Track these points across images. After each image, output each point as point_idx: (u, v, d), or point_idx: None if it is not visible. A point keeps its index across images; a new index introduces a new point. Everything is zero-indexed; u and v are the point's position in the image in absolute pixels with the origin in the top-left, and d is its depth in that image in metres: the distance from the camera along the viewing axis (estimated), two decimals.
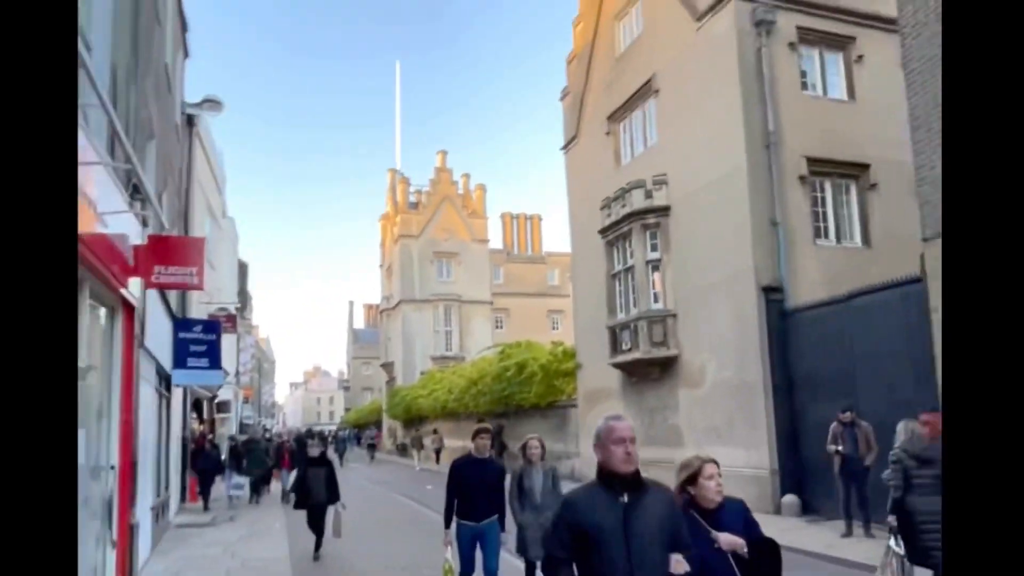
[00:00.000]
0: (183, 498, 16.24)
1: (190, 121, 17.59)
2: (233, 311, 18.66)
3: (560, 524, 2.89)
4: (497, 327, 44.46)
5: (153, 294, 10.27)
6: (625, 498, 2.81)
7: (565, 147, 21.28)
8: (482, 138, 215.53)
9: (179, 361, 13.43)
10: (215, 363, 13.99)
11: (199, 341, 13.73)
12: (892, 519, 6.08)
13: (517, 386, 23.05)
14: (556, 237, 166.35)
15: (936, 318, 9.12)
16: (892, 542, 5.99)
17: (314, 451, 11.25)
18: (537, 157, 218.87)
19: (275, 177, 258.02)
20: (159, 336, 11.57)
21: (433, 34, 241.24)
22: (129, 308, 8.52)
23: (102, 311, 7.97)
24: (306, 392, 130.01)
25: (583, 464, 19.80)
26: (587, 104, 19.85)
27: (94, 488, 7.28)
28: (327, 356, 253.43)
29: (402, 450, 40.23)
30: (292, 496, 11.30)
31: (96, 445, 7.69)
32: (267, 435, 28.40)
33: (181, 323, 13.63)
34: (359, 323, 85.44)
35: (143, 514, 9.88)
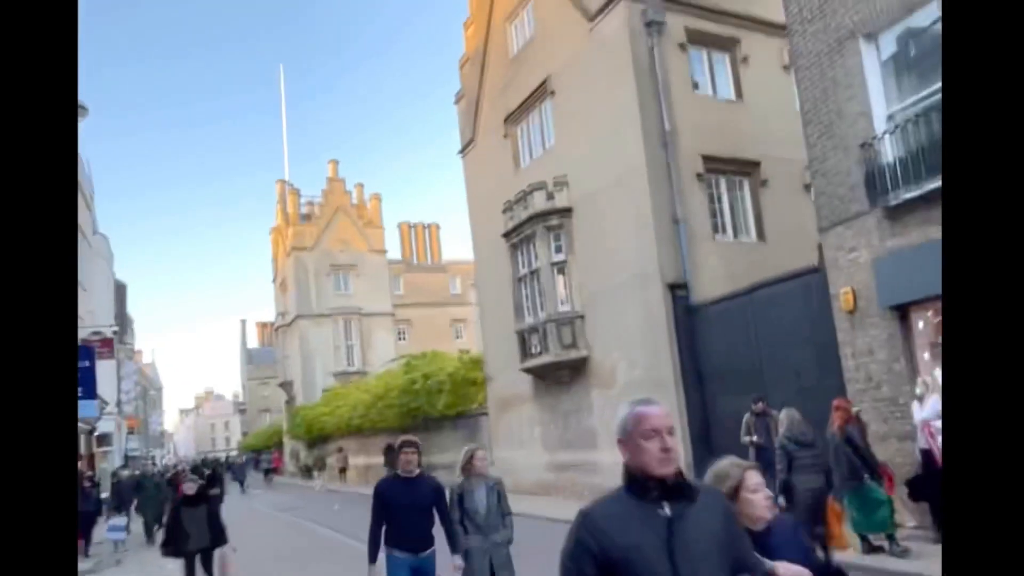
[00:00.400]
0: None
1: None
2: (109, 335, 17.04)
3: (578, 552, 2.10)
4: (400, 339, 43.46)
5: None
6: (667, 509, 2.08)
7: (462, 151, 20.96)
8: (374, 146, 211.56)
9: None
10: (89, 393, 12.67)
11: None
12: (781, 500, 6.65)
13: (425, 397, 22.44)
14: (456, 245, 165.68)
15: (836, 305, 9.43)
16: None
17: (189, 488, 8.88)
18: (432, 164, 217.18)
19: (151, 190, 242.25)
20: None
21: (315, 39, 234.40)
22: None
23: None
24: (198, 418, 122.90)
25: (499, 473, 19.44)
26: (483, 107, 19.61)
27: None
28: (220, 378, 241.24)
29: (307, 472, 38.50)
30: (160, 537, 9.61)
31: None
32: (154, 468, 26.31)
33: None
34: (253, 342, 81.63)
35: None
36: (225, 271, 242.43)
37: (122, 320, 41.19)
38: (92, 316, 18.81)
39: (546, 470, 17.03)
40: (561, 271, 15.73)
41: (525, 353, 16.79)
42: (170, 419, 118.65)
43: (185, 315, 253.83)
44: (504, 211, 17.12)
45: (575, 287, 15.48)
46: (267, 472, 40.36)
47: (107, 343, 16.77)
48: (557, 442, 16.60)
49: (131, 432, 44.89)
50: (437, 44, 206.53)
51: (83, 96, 14.81)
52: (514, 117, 17.98)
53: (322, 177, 43.78)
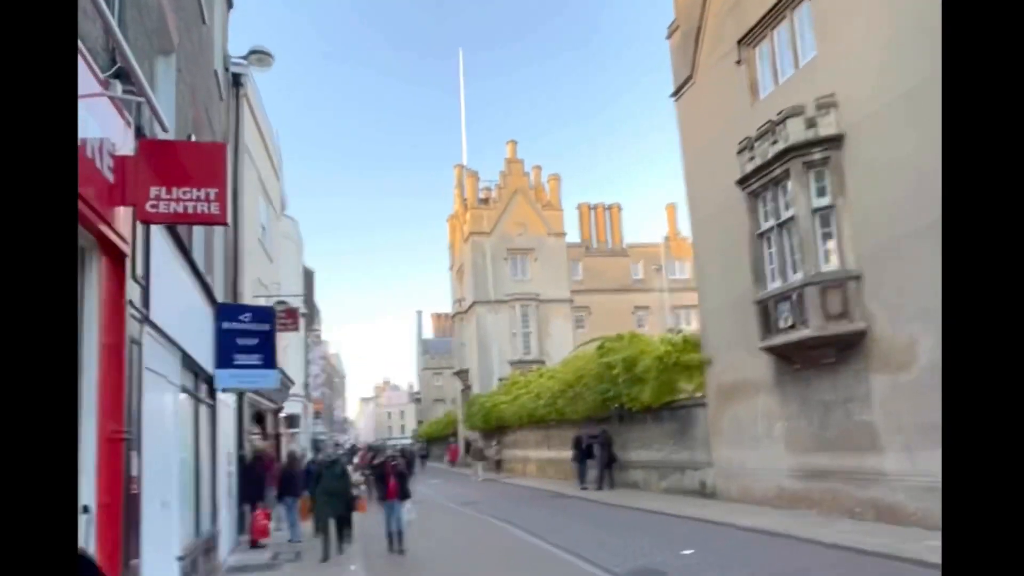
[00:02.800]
0: (241, 530, 13.29)
1: (236, 81, 14.87)
2: (294, 305, 15.83)
3: None
4: (578, 326, 40.88)
5: (167, 250, 7.22)
6: None
7: (676, 93, 17.67)
8: (552, 127, 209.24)
9: (223, 358, 10.48)
10: (269, 361, 11.00)
11: (248, 332, 10.77)
12: None
13: (624, 386, 19.43)
14: (638, 228, 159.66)
15: None
16: None
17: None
18: (613, 143, 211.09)
19: (330, 183, 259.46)
20: (188, 319, 8.57)
21: (493, 23, 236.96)
22: (114, 255, 5.46)
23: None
24: (377, 407, 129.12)
25: (718, 477, 16.05)
26: (706, 34, 16.21)
27: None
28: (396, 369, 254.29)
29: (491, 465, 37.05)
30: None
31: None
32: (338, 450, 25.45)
33: (224, 309, 10.68)
34: (428, 333, 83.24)
35: (161, 570, 6.80)
36: (403, 262, 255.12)
37: (310, 306, 42.29)
38: (279, 287, 17.77)
39: (791, 477, 13.38)
40: (826, 220, 12.06)
41: (768, 328, 13.27)
42: (351, 407, 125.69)
43: (365, 308, 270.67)
44: (740, 152, 13.70)
45: (847, 240, 11.74)
46: (422, 457, 40.80)
47: (291, 314, 15.50)
48: (810, 442, 12.90)
49: (317, 416, 46.22)
50: (616, 18, 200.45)
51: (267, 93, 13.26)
52: (752, 36, 14.45)
53: (499, 161, 42.34)
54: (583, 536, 12.44)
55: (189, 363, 8.84)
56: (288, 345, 28.50)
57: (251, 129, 15.99)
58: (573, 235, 43.01)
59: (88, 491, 4.92)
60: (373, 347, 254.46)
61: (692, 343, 17.46)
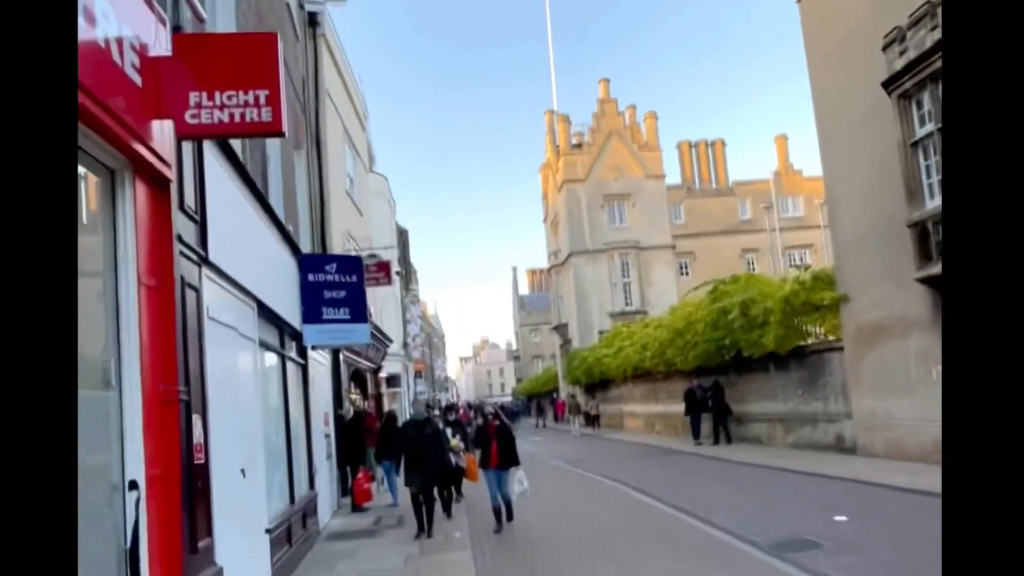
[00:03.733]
0: (344, 493, 12.76)
1: (312, 20, 13.92)
2: (386, 259, 15.03)
3: None
4: (682, 273, 38.78)
5: (228, 182, 6.27)
6: None
7: None
8: (645, 64, 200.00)
9: (310, 313, 9.69)
10: (359, 315, 10.14)
11: (335, 284, 9.93)
12: None
13: (742, 332, 17.67)
14: (744, 165, 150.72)
15: None
16: None
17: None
18: (713, 74, 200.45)
19: (416, 143, 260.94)
20: (266, 268, 7.73)
21: None
22: (153, 180, 4.49)
23: (86, 182, 4.02)
24: (476, 365, 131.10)
25: (857, 430, 14.21)
26: None
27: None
28: (494, 328, 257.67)
29: (587, 420, 36.11)
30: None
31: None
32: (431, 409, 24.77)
33: (308, 260, 9.85)
34: (524, 289, 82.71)
35: (244, 546, 6.02)
36: (497, 221, 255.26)
37: (406, 265, 42.23)
38: (370, 243, 17.04)
39: None
40: None
41: (925, 254, 11.26)
42: (451, 366, 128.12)
43: (462, 270, 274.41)
44: (886, 47, 11.52)
45: None
46: (513, 414, 39.42)
47: (384, 268, 14.72)
48: None
49: (418, 376, 46.61)
50: None
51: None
52: None
53: (592, 103, 40.24)
54: (711, 498, 11.08)
55: (270, 316, 8.03)
56: (385, 305, 28.24)
57: (331, 74, 15.08)
58: (673, 176, 40.63)
59: (135, 463, 4.04)
60: (471, 308, 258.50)
61: (824, 280, 15.46)
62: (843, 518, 8.81)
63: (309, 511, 9.41)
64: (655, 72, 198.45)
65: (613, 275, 37.61)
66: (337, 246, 13.82)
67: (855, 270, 14.18)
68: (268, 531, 6.86)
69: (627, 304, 37.29)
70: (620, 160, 38.34)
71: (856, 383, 14.29)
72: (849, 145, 13.97)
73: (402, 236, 37.65)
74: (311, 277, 9.70)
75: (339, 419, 13.48)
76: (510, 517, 9.67)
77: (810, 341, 16.39)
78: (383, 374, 28.38)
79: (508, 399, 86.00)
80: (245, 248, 6.75)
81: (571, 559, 7.65)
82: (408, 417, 18.08)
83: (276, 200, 9.34)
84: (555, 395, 41.72)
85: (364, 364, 18.40)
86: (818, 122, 15.16)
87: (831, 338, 15.66)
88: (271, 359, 8.32)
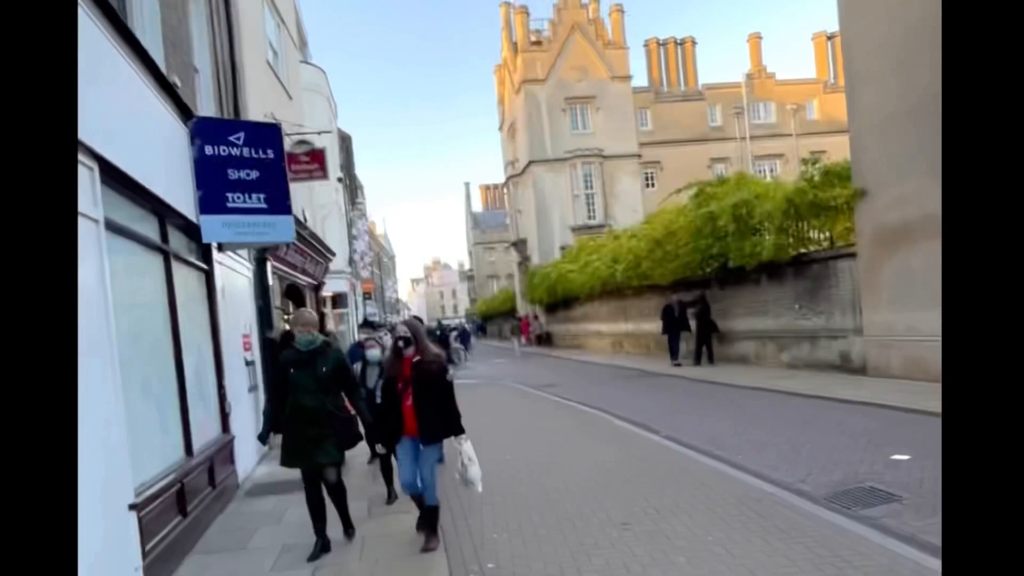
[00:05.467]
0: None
1: None
2: (320, 147, 12.21)
3: None
4: (648, 184, 36.63)
5: None
6: None
7: None
8: None
9: (210, 199, 7.09)
10: (278, 203, 7.58)
11: (244, 161, 7.31)
12: None
13: (734, 239, 15.69)
14: (713, 68, 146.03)
15: None
16: None
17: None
18: None
19: (359, 40, 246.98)
20: (123, 120, 5.09)
21: None
22: None
23: None
24: (429, 287, 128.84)
25: (869, 347, 12.54)
26: None
27: None
28: (446, 248, 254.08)
29: (545, 340, 34.47)
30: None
31: None
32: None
33: (203, 125, 7.14)
34: (477, 206, 79.80)
35: (94, 532, 3.61)
36: (448, 132, 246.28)
37: (350, 177, 38.91)
38: (298, 130, 14.04)
39: None
40: None
41: None
42: (402, 288, 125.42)
43: (410, 187, 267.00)
44: None
45: None
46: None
47: (317, 156, 11.95)
48: None
49: (368, 297, 44.02)
50: None
51: None
52: None
53: None
54: (720, 431, 9.21)
55: (136, 194, 5.46)
56: (328, 215, 25.36)
57: None
58: (640, 79, 37.72)
59: None
60: (423, 228, 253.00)
61: (835, 175, 13.42)
62: (904, 456, 6.99)
63: (220, 461, 7.11)
64: None
65: (575, 186, 35.19)
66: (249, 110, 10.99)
67: (877, 161, 12.12)
68: (133, 506, 4.54)
69: (590, 217, 35.12)
70: (583, 59, 35.23)
71: (871, 294, 12.49)
72: (875, 7, 11.65)
73: (345, 142, 34.24)
74: (209, 150, 7.04)
75: (268, 343, 11.07)
76: (432, 523, 5.31)
77: (811, 249, 14.50)
78: (327, 292, 25.80)
79: (461, 319, 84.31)
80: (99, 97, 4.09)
81: (571, 523, 5.59)
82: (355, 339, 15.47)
83: (150, 39, 6.57)
84: (517, 315, 39.85)
85: (301, 279, 15.82)
86: None
87: (839, 244, 13.77)
88: (143, 258, 5.77)
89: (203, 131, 7.06)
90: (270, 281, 12.18)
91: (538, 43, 35.86)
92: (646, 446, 8.66)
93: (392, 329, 7.51)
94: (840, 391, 11.10)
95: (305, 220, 15.15)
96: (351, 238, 35.39)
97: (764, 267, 15.37)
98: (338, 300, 28.02)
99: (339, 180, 26.71)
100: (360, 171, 56.13)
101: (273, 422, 5.48)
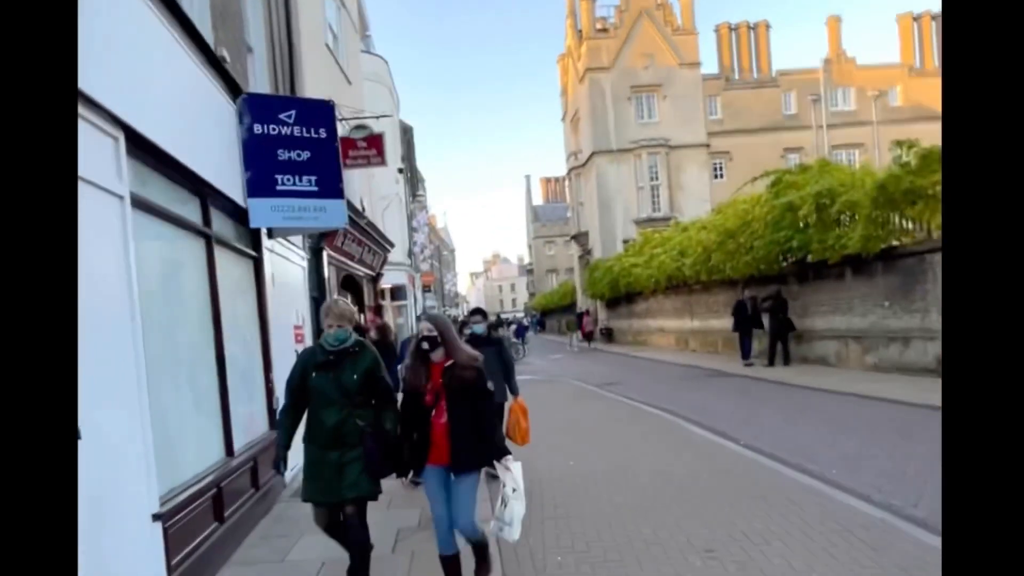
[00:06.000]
0: None
1: None
2: (378, 132, 11.77)
3: None
4: (716, 175, 35.19)
5: None
6: None
7: None
8: None
9: (259, 182, 6.66)
10: (330, 187, 7.10)
11: (295, 141, 6.85)
12: None
13: (817, 231, 14.58)
14: (787, 52, 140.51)
15: None
16: None
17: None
18: None
19: (419, 35, 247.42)
20: (163, 90, 4.67)
21: None
22: None
23: None
24: (487, 281, 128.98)
25: None
26: None
27: None
28: (505, 242, 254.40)
29: (606, 335, 33.58)
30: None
31: None
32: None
33: (253, 102, 6.71)
34: (537, 199, 79.08)
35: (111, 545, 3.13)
36: (510, 121, 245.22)
37: (411, 169, 38.83)
38: (356, 114, 13.55)
39: None
40: None
41: None
42: (461, 282, 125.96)
43: (471, 180, 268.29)
44: None
45: None
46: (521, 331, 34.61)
47: (375, 142, 11.50)
48: None
49: (427, 290, 43.97)
50: None
51: None
52: None
53: None
54: (806, 441, 8.31)
55: (175, 172, 5.03)
56: (389, 206, 25.17)
57: None
58: (710, 65, 36.21)
59: None
60: (482, 221, 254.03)
61: (936, 158, 12.18)
62: None
63: (265, 460, 6.68)
64: None
65: (640, 178, 34.07)
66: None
67: None
68: (158, 516, 4.09)
69: (655, 210, 33.97)
70: (651, 45, 34.01)
71: None
72: None
73: (406, 134, 34.10)
74: (258, 128, 6.61)
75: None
76: (483, 556, 4.27)
77: (904, 241, 13.28)
78: (385, 284, 25.67)
79: (520, 314, 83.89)
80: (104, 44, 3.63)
81: (646, 546, 4.89)
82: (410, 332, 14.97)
83: (197, 10, 6.16)
84: (578, 310, 39.08)
85: (359, 270, 15.51)
86: None
87: (936, 236, 12.52)
88: (182, 243, 5.36)
89: (252, 108, 6.62)
90: (326, 271, 11.84)
91: (604, 30, 34.82)
92: (724, 456, 7.85)
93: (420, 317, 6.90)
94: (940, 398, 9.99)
95: (363, 209, 14.81)
96: (411, 230, 35.26)
97: (849, 261, 14.23)
98: (397, 292, 27.87)
99: (399, 171, 26.49)
100: (420, 162, 56.33)
101: (287, 440, 4.29)
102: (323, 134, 7.04)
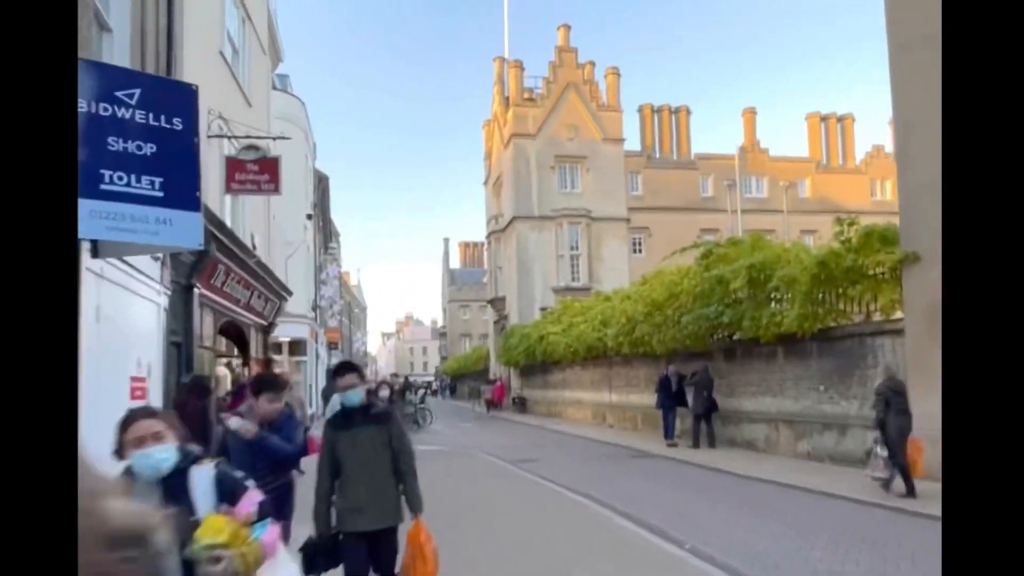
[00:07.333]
0: None
1: None
2: (273, 156, 10.02)
3: None
4: (635, 250, 34.97)
5: None
6: None
7: None
8: (606, 18, 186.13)
9: (89, 179, 4.88)
10: (182, 195, 5.38)
11: (136, 129, 5.12)
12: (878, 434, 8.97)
13: (749, 307, 13.75)
14: (706, 137, 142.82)
15: None
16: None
17: None
18: (679, 38, 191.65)
19: (348, 102, 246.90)
20: None
21: None
22: None
23: None
24: (399, 342, 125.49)
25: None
26: None
27: None
28: (420, 305, 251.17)
29: (519, 405, 31.98)
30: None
31: None
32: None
33: (88, 68, 4.96)
34: (455, 263, 77.91)
35: None
36: (428, 191, 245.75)
37: (325, 219, 36.82)
38: (246, 129, 11.55)
39: None
40: None
41: None
42: (372, 342, 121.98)
43: (391, 240, 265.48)
44: None
45: None
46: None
47: (269, 166, 9.77)
48: None
49: (334, 347, 41.29)
50: None
51: None
52: None
53: (545, 59, 35.40)
54: (764, 545, 6.92)
55: None
56: (295, 253, 23.13)
57: None
58: (633, 142, 36.49)
59: None
60: (397, 284, 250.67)
61: (879, 236, 11.58)
62: None
63: None
64: (618, 32, 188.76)
65: (561, 246, 33.38)
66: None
67: (934, 222, 10.26)
68: None
69: (574, 279, 33.20)
70: (576, 118, 34.00)
71: (921, 380, 10.42)
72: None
73: (321, 182, 32.27)
74: (82, 104, 4.84)
75: (187, 390, 8.66)
76: None
77: (842, 323, 12.55)
78: (283, 337, 23.32)
79: (430, 378, 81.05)
80: None
81: None
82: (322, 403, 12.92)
83: None
84: (491, 377, 37.31)
85: (245, 316, 13.43)
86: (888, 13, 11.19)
87: (880, 318, 11.83)
88: None
89: (87, 75, 4.88)
90: (197, 314, 9.84)
91: (530, 99, 34.66)
92: (671, 566, 6.31)
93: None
94: (889, 498, 8.92)
95: (255, 248, 12.89)
96: (319, 282, 33.02)
97: (782, 340, 13.40)
98: (296, 346, 25.47)
99: (308, 217, 24.61)
100: (337, 216, 54.05)
101: None
102: (178, 125, 5.35)
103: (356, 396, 4.13)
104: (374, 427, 4.12)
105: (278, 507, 4.08)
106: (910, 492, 8.76)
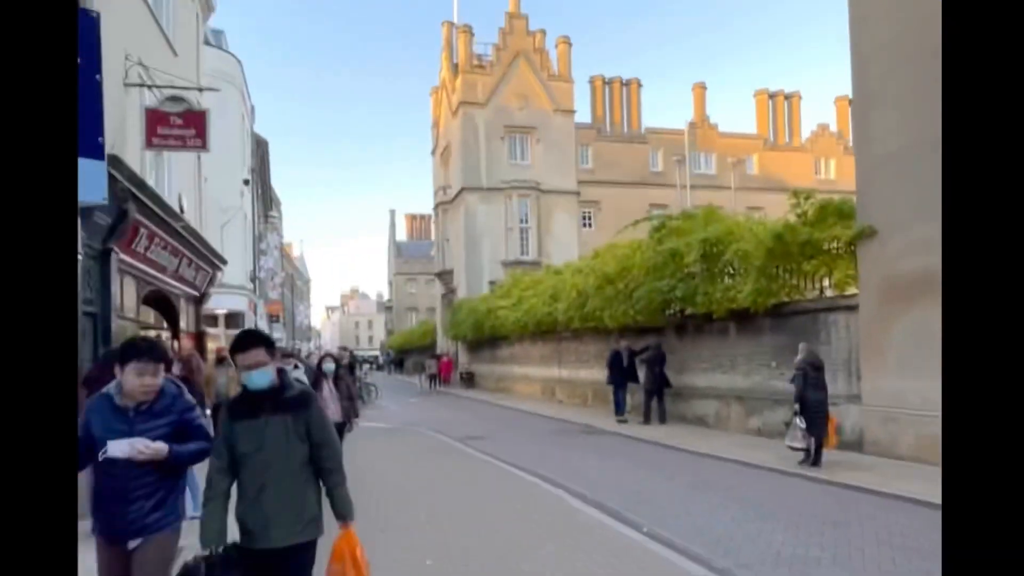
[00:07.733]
0: None
1: None
2: (201, 109, 9.08)
3: None
4: (585, 224, 34.72)
5: None
6: None
7: None
8: None
9: None
10: (83, 142, 4.61)
11: None
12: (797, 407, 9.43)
13: (702, 282, 13.55)
14: (658, 112, 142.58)
15: None
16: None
17: None
18: (631, 11, 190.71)
19: (291, 63, 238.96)
20: None
21: None
22: None
23: None
24: (344, 315, 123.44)
25: (868, 420, 10.45)
26: None
27: None
28: (366, 279, 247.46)
29: (467, 380, 31.58)
30: None
31: None
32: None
33: None
34: (401, 235, 76.54)
35: None
36: (377, 160, 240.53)
37: (265, 186, 35.26)
38: (169, 79, 10.47)
39: None
40: None
41: None
42: (316, 315, 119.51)
43: (336, 211, 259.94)
44: None
45: None
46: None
47: (195, 120, 8.86)
48: None
49: (275, 320, 39.95)
50: None
51: None
52: None
53: (498, 19, 34.56)
54: (724, 527, 6.67)
55: None
56: (231, 221, 21.97)
57: None
58: (583, 115, 36.06)
59: None
60: (342, 254, 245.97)
61: (835, 211, 11.44)
62: None
63: None
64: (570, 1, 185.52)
65: (510, 218, 32.83)
66: (112, 71, 7.92)
67: (891, 197, 10.17)
68: None
69: (523, 253, 32.77)
70: (526, 87, 33.30)
71: (874, 356, 10.42)
72: (896, 14, 9.85)
73: (260, 147, 30.79)
74: None
75: (102, 363, 7.86)
76: None
77: (796, 298, 12.45)
78: (219, 309, 22.23)
79: (376, 353, 79.91)
80: None
81: None
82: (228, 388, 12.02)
83: None
84: (438, 353, 36.69)
85: (173, 286, 12.50)
86: None
87: (833, 293, 11.75)
88: None
89: None
90: (115, 282, 8.98)
91: (480, 67, 33.75)
92: (629, 550, 5.96)
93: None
94: (842, 475, 8.84)
95: (183, 211, 11.94)
96: (258, 252, 31.69)
97: (734, 316, 13.27)
98: (233, 319, 24.33)
99: (245, 182, 23.38)
100: (279, 185, 51.97)
101: None
102: (80, 62, 4.57)
103: (263, 377, 3.22)
104: (288, 416, 3.22)
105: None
106: (816, 463, 9.32)
